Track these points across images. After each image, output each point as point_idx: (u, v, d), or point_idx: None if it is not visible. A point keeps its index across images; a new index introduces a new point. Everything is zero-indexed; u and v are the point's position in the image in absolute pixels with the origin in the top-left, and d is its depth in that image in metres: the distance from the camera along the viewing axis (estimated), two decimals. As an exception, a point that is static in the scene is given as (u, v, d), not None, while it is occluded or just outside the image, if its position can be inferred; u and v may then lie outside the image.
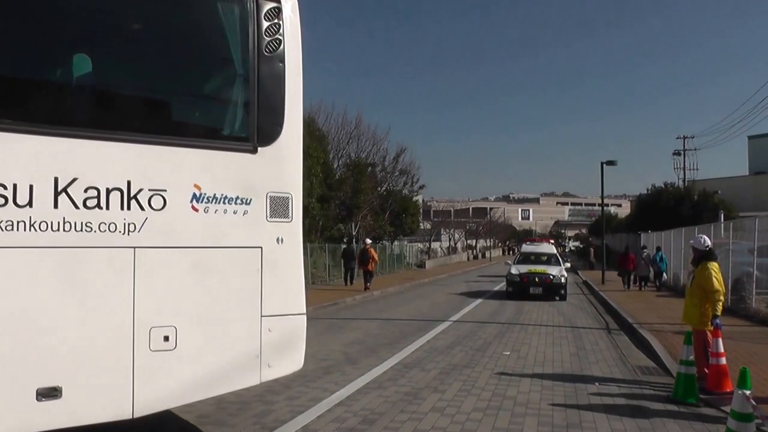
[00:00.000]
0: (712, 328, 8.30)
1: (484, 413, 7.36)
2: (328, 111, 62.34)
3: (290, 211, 5.62)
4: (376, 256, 27.88)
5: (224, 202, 5.24)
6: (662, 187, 44.23)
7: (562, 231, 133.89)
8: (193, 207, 5.10)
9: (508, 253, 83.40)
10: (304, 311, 5.81)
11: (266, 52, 5.50)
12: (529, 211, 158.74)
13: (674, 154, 55.22)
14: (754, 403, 5.23)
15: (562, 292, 22.93)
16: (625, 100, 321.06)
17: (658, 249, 27.97)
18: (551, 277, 22.94)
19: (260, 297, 5.46)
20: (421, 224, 60.48)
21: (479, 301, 22.57)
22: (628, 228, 50.30)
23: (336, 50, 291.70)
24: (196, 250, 5.13)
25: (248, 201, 5.36)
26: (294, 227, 5.68)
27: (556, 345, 12.58)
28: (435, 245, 67.62)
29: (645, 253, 27.87)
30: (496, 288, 28.46)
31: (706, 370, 8.32)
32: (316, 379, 9.15)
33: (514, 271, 24.07)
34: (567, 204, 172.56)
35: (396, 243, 49.30)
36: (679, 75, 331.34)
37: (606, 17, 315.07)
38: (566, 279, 23.64)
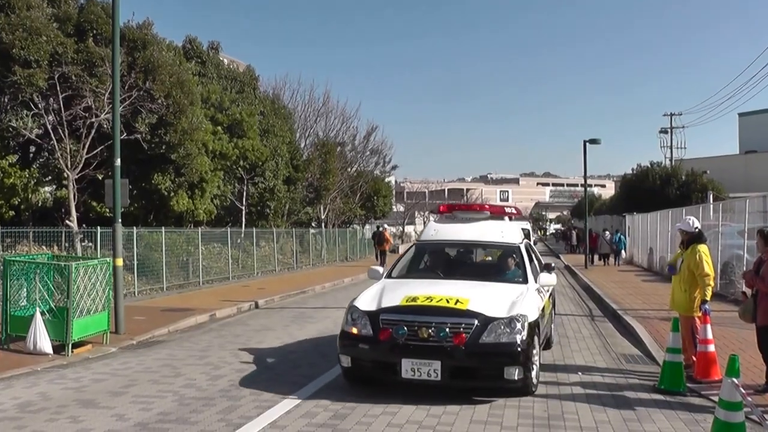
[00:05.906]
0: (700, 314, 8.43)
1: (462, 406, 7.41)
2: (294, 87, 61.90)
3: None
4: (390, 239, 34.31)
5: None
6: (648, 166, 44.55)
7: (543, 213, 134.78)
8: None
9: None
10: None
11: None
12: (508, 192, 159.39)
13: (661, 132, 55.50)
14: (743, 391, 5.29)
15: (515, 372, 7.41)
16: (609, 76, 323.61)
17: (617, 231, 35.25)
18: (470, 326, 7.51)
19: None
20: (393, 206, 60.47)
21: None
22: (612, 210, 50.82)
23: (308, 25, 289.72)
24: None
25: None
26: None
27: (537, 333, 12.69)
28: (409, 228, 67.72)
29: (607, 235, 34.54)
30: None
31: (694, 358, 8.48)
32: (285, 373, 9.15)
33: (364, 304, 8.27)
34: (548, 185, 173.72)
35: (367, 227, 49.32)
36: (666, 50, 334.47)
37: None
38: (531, 324, 7.79)
